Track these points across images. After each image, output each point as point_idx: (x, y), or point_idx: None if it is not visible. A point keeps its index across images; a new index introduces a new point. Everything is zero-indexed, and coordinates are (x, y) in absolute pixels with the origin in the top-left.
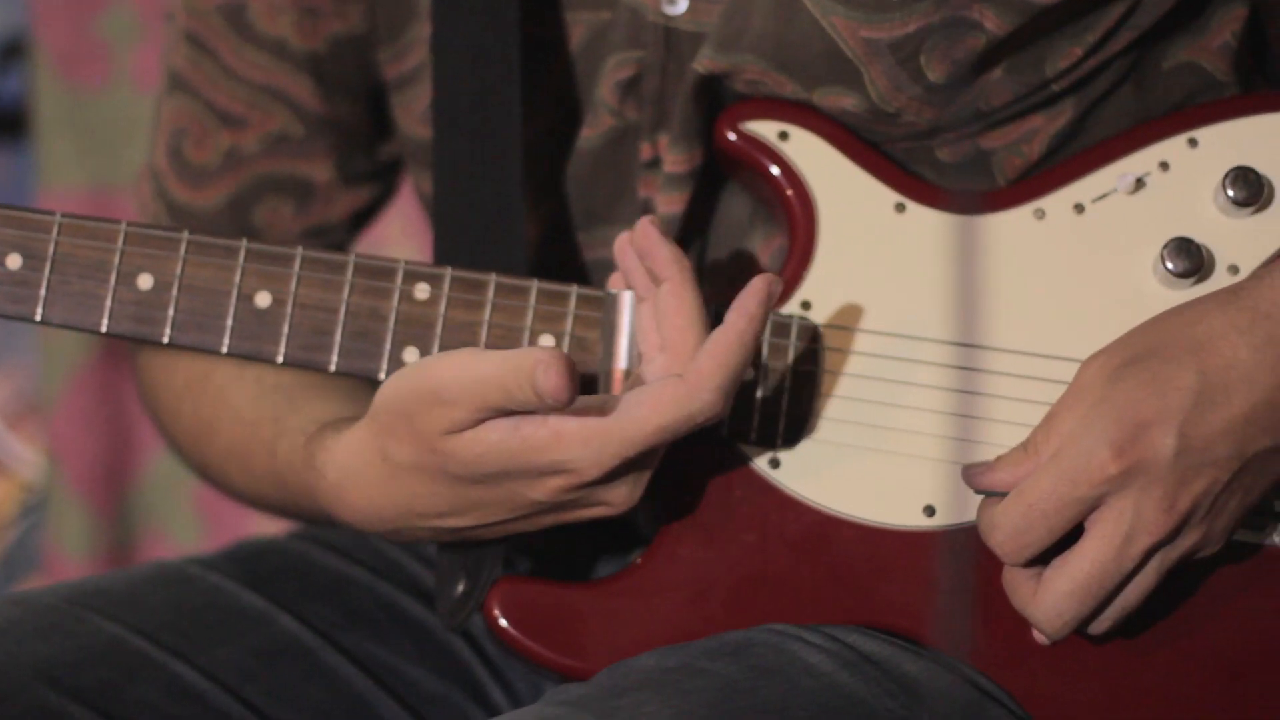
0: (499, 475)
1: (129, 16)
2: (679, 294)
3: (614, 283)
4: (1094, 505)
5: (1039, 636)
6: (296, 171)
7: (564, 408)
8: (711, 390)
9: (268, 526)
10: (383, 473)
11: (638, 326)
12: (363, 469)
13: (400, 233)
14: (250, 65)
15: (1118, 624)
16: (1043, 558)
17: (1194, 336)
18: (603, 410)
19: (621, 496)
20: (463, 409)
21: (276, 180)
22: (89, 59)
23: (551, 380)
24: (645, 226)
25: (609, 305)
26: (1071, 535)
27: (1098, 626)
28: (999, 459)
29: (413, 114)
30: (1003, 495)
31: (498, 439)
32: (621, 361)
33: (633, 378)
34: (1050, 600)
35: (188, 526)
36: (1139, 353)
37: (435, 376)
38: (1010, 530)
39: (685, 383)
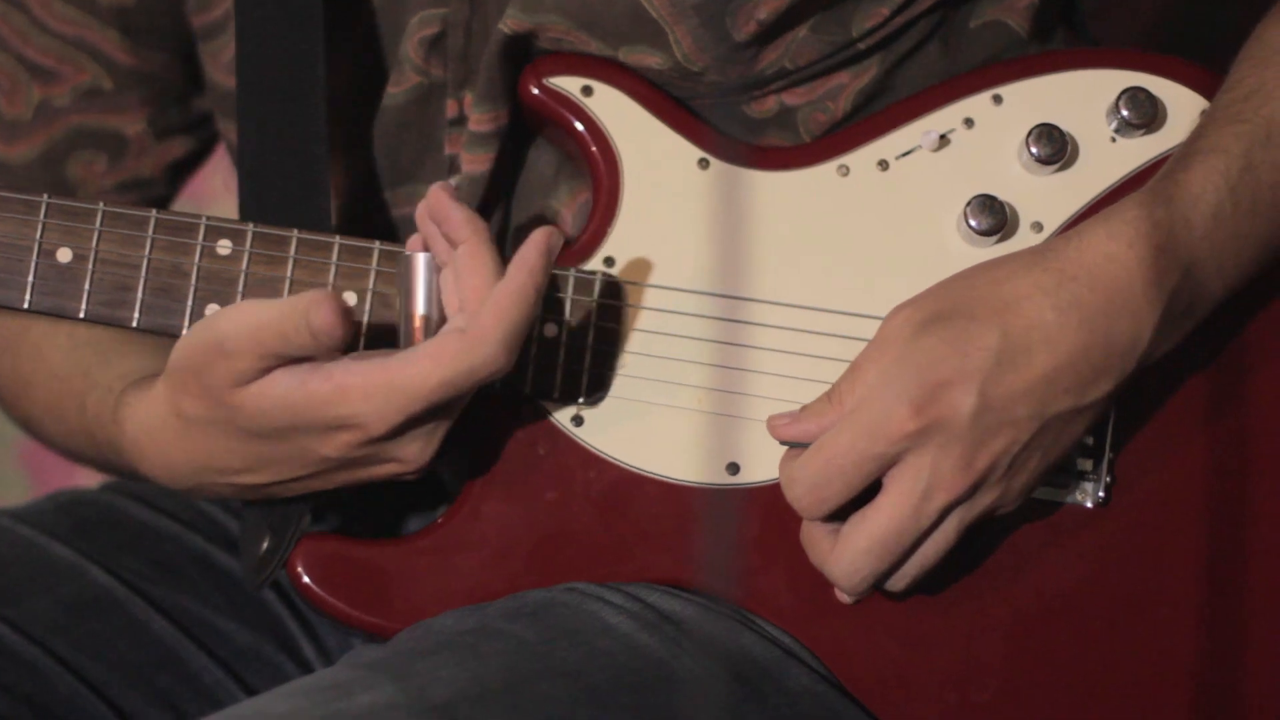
0: (286, 430)
1: None
2: (474, 254)
3: (412, 245)
4: (892, 462)
5: (839, 594)
6: (108, 125)
7: (339, 347)
8: (493, 343)
9: (93, 481)
10: (177, 429)
11: (438, 291)
12: (159, 426)
13: (223, 186)
14: (59, 19)
15: (917, 581)
16: (841, 514)
17: (1000, 296)
18: (385, 364)
19: (413, 453)
20: (245, 359)
21: (89, 133)
22: None
23: (323, 316)
24: (437, 193)
25: (402, 266)
26: (870, 492)
27: (896, 583)
28: (803, 409)
29: (219, 63)
30: (805, 446)
31: (282, 392)
32: (420, 309)
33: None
34: (848, 556)
35: (12, 483)
36: (944, 309)
37: (218, 328)
38: (808, 484)
39: (466, 336)
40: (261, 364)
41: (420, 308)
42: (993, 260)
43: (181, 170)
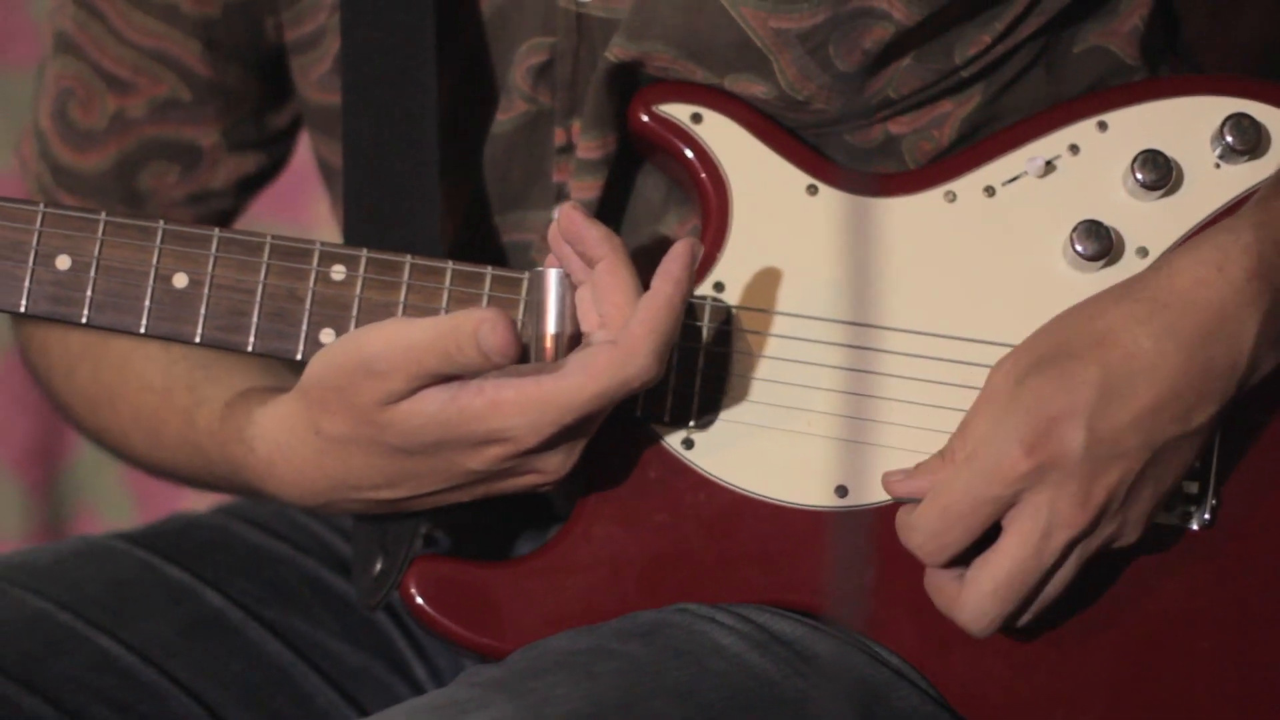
0: (436, 445)
1: None
2: (614, 271)
3: (549, 265)
4: (1009, 504)
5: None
6: (182, 136)
7: (507, 365)
8: (645, 354)
9: (198, 504)
10: (316, 447)
11: (577, 309)
12: (295, 444)
13: (330, 212)
14: (138, 30)
15: (1039, 616)
16: (963, 558)
17: (1094, 331)
18: (538, 379)
19: (555, 465)
20: (397, 379)
21: (162, 145)
22: (16, 38)
23: (499, 336)
24: (569, 212)
25: (535, 282)
26: (991, 536)
27: (1020, 621)
28: (917, 466)
29: (309, 79)
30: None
31: (435, 409)
32: (551, 327)
33: (572, 353)
34: (974, 600)
35: (119, 504)
36: (1044, 353)
37: (366, 348)
38: (928, 532)
39: (619, 348)
40: (414, 383)
41: (552, 326)
42: (1086, 300)
43: (251, 185)
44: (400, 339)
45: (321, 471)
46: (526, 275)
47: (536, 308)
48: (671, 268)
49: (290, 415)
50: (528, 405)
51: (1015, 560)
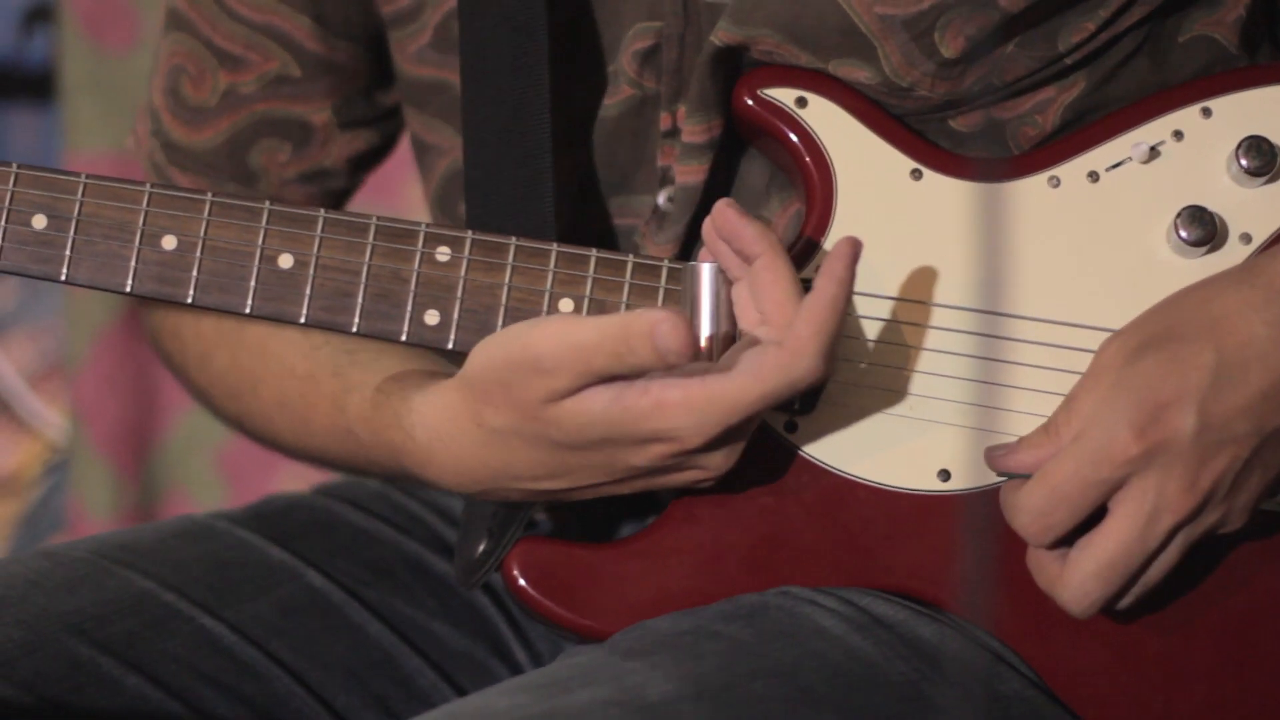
0: (600, 442)
1: None
2: (773, 267)
3: (701, 259)
4: (1117, 486)
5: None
6: (293, 113)
7: (682, 365)
8: (812, 355)
9: (289, 485)
10: (478, 438)
11: (727, 305)
12: (457, 433)
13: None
14: (249, 5)
15: (1141, 600)
16: (1067, 538)
17: (1209, 315)
18: (704, 380)
19: (718, 462)
20: (563, 378)
21: (274, 121)
22: (115, 21)
23: (678, 338)
24: (724, 209)
25: (689, 276)
26: (1095, 516)
27: (1121, 604)
28: (1021, 440)
29: (406, 52)
30: (1025, 477)
31: (601, 409)
32: (707, 325)
33: (730, 351)
34: (1077, 581)
35: (210, 486)
36: (1156, 333)
37: (533, 345)
38: (1035, 513)
39: (785, 349)
40: (580, 382)
41: (707, 324)
42: (1198, 282)
43: (363, 163)
44: (569, 338)
45: (481, 461)
46: (679, 267)
47: (691, 303)
48: (835, 266)
49: (452, 405)
50: (693, 406)
51: (1120, 543)
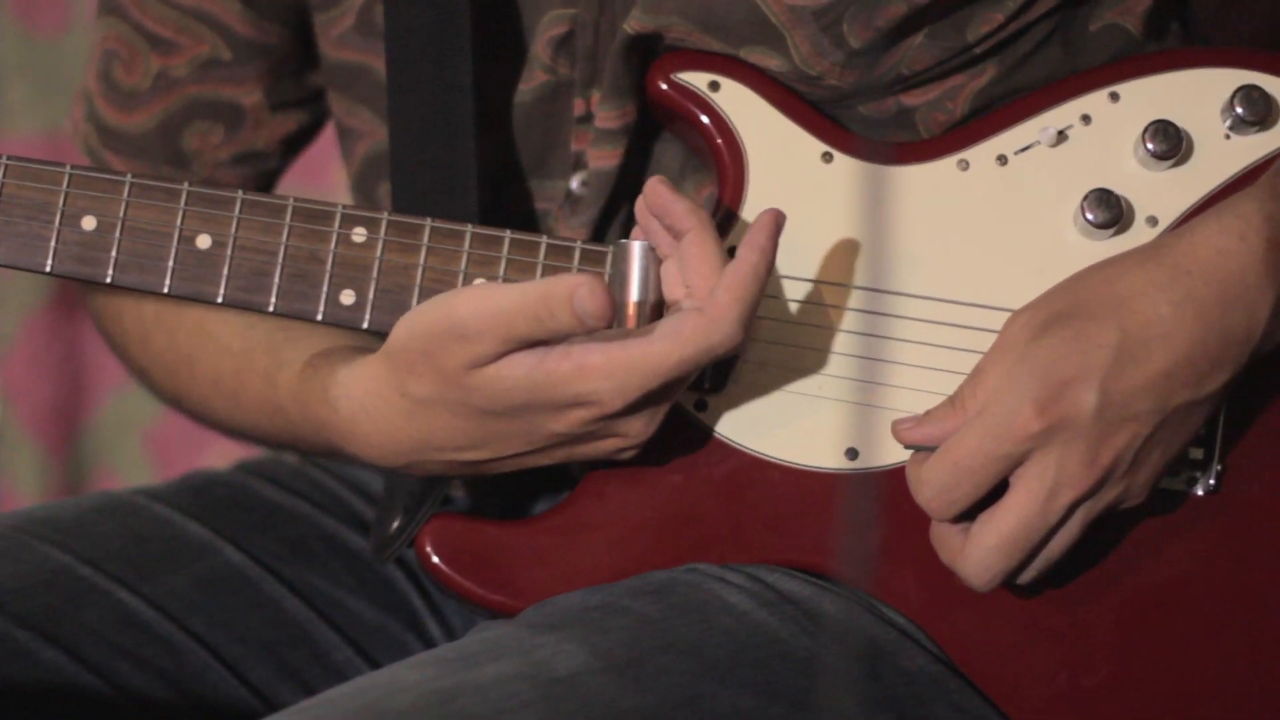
0: (522, 408)
1: None
2: (700, 242)
3: (634, 238)
4: (1019, 461)
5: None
6: (224, 95)
7: (600, 329)
8: (731, 321)
9: (221, 462)
10: (401, 408)
11: (655, 278)
12: (380, 405)
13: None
14: None
15: (1042, 574)
16: (969, 513)
17: (1115, 293)
18: (624, 343)
19: (638, 429)
20: (485, 343)
21: (206, 104)
22: (46, 4)
23: (596, 301)
24: (655, 186)
25: (618, 253)
26: (997, 491)
27: (1023, 578)
28: (926, 413)
29: (329, 35)
30: (931, 450)
31: (523, 373)
32: (634, 295)
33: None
34: (978, 554)
35: (138, 467)
36: (1061, 310)
37: (455, 312)
38: (937, 487)
39: (705, 315)
40: (502, 347)
41: (635, 294)
42: (1106, 260)
43: (295, 143)
44: (490, 303)
45: (405, 433)
46: (593, 248)
47: (621, 278)
48: (757, 237)
49: (375, 376)
50: (614, 369)
51: (1020, 517)
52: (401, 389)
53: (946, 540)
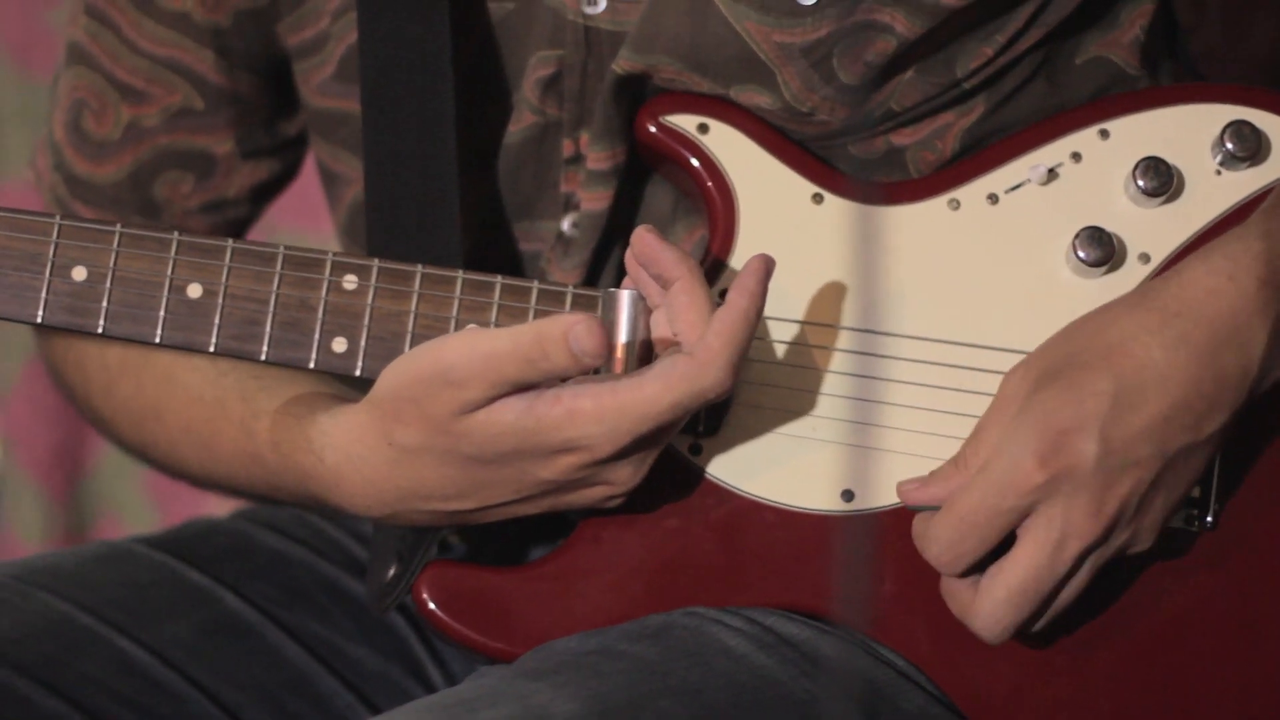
0: (511, 454)
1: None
2: (689, 290)
3: (624, 287)
4: (1024, 514)
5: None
6: (196, 145)
7: (597, 367)
8: (721, 366)
9: (222, 509)
10: (388, 456)
11: (643, 324)
12: (366, 454)
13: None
14: (151, 39)
15: (1051, 622)
16: (979, 566)
17: (1106, 341)
18: (614, 388)
19: (626, 476)
20: (475, 388)
21: (176, 153)
22: (43, 49)
23: (593, 339)
24: (643, 235)
25: (606, 302)
26: (1006, 544)
27: (1035, 628)
28: (931, 474)
29: (311, 84)
30: (935, 509)
31: (513, 419)
32: (623, 338)
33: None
34: (989, 608)
35: (141, 512)
36: (1055, 361)
37: (443, 358)
38: (945, 543)
39: (695, 359)
40: (492, 392)
41: (624, 336)
42: (1097, 309)
43: (265, 192)
44: (480, 347)
45: (392, 482)
46: (585, 293)
47: (609, 325)
48: (747, 282)
49: (361, 425)
50: (604, 414)
51: (1029, 569)
52: (388, 437)
53: (957, 594)
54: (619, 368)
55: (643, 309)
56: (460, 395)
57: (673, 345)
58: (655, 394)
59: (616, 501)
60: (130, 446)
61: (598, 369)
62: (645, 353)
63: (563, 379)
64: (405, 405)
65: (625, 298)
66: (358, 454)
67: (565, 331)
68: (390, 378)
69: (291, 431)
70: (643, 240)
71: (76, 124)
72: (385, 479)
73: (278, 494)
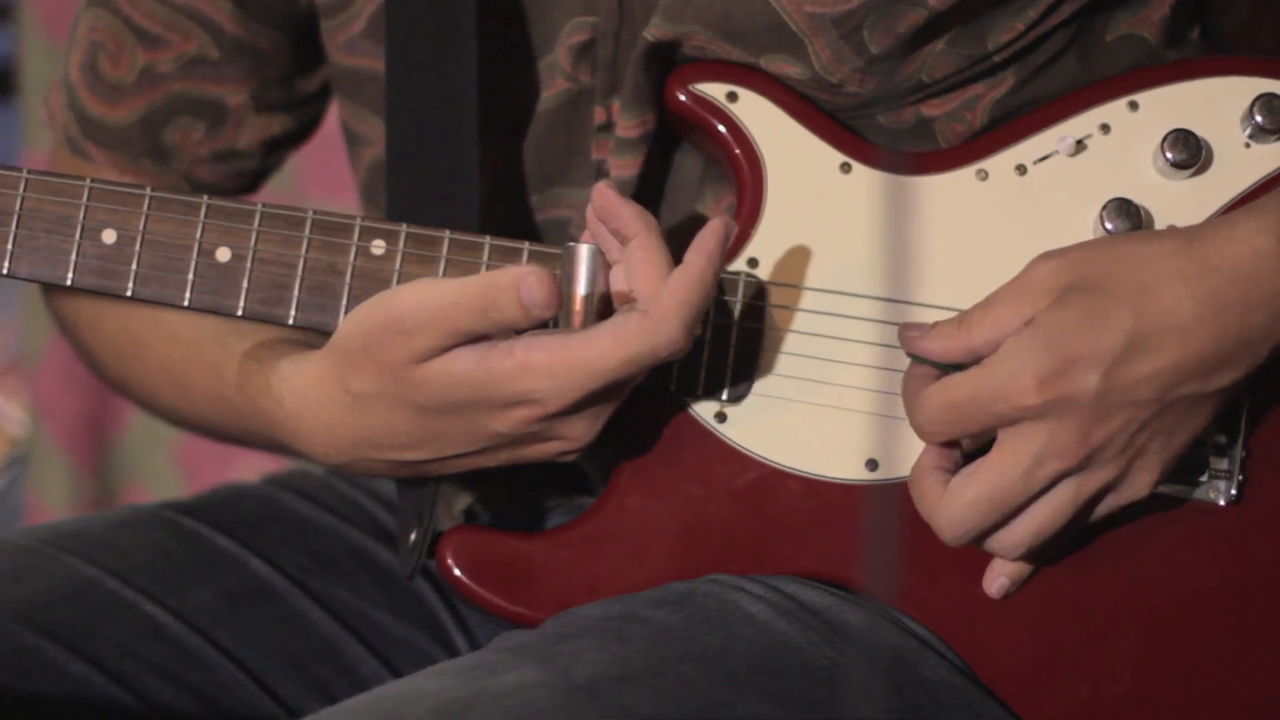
0: (463, 405)
1: None
2: (646, 246)
3: (583, 241)
4: (1010, 423)
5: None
6: (209, 93)
7: (545, 319)
8: (675, 324)
9: (250, 475)
10: (344, 404)
11: (603, 277)
12: (323, 400)
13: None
14: None
15: (1031, 549)
16: (953, 469)
17: (1140, 279)
18: (567, 342)
19: (579, 431)
20: (427, 337)
21: (189, 101)
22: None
23: (542, 289)
24: (604, 191)
25: (566, 255)
26: (986, 447)
27: (1007, 548)
28: (934, 325)
29: (337, 41)
30: (927, 363)
31: (464, 369)
32: (581, 290)
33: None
34: (954, 507)
35: (168, 481)
36: (1089, 278)
37: (397, 307)
38: (927, 416)
39: (648, 316)
40: (445, 341)
41: (582, 289)
42: (1141, 235)
43: (278, 147)
44: (432, 297)
45: (348, 429)
46: (561, 249)
47: (568, 280)
48: (706, 243)
49: (319, 372)
50: (556, 368)
51: (1000, 477)
52: (344, 384)
53: (925, 489)
54: (578, 318)
55: (601, 263)
56: (411, 344)
57: (630, 301)
58: (607, 350)
59: (572, 457)
60: (111, 380)
61: (554, 322)
62: (605, 307)
63: (517, 331)
64: (360, 354)
65: (583, 251)
66: (315, 400)
67: (515, 282)
68: (347, 327)
69: (255, 376)
70: (602, 195)
71: (92, 65)
72: (341, 425)
73: (246, 436)
